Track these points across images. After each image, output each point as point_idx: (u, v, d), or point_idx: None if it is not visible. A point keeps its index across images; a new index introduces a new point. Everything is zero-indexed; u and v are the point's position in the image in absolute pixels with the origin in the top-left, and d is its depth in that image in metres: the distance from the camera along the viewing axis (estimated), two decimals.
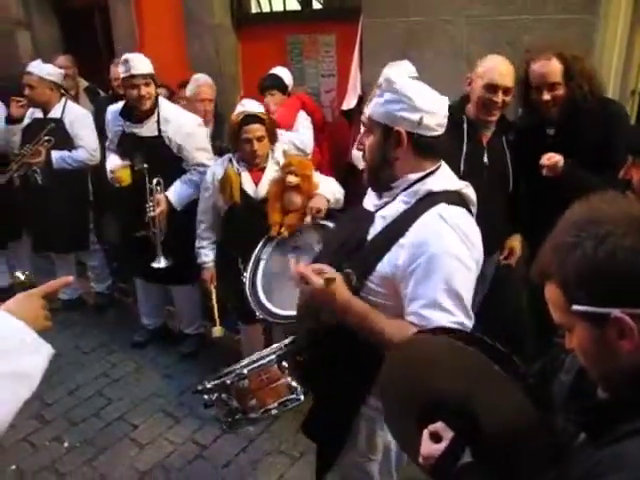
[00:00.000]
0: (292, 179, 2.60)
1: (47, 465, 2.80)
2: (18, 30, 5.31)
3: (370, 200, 1.66)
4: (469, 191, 1.58)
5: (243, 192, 2.72)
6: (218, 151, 3.30)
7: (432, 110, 1.47)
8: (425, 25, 3.23)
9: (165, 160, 3.12)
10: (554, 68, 2.31)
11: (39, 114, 3.69)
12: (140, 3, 4.58)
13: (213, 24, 4.18)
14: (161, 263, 3.15)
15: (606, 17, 2.79)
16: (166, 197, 3.10)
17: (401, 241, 1.46)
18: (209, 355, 3.53)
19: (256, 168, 2.75)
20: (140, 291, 3.69)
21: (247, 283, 2.33)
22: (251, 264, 2.41)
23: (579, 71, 2.31)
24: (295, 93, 3.74)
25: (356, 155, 3.29)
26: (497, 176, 2.55)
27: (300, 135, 3.45)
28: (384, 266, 1.48)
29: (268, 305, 2.22)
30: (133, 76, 2.95)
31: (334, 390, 1.68)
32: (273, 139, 2.77)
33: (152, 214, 3.06)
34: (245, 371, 1.70)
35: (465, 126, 2.49)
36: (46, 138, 3.55)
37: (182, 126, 3.12)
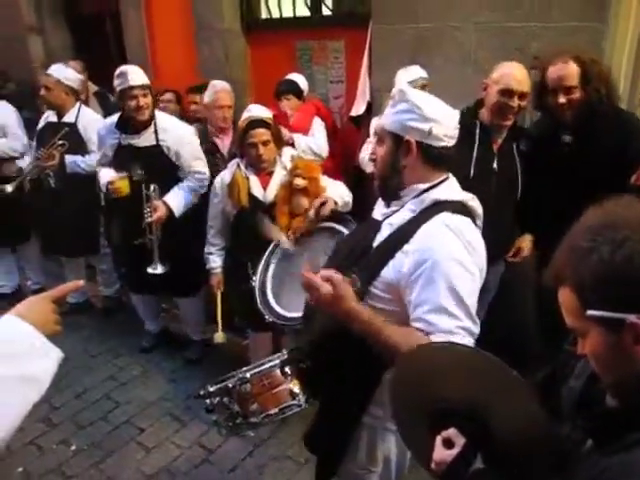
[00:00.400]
0: (299, 182, 2.60)
1: (54, 468, 2.80)
2: (30, 35, 5.35)
3: (379, 210, 1.68)
4: (475, 204, 1.58)
5: (251, 196, 2.73)
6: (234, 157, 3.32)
7: (442, 121, 1.49)
8: (434, 31, 3.25)
9: (162, 169, 3.17)
10: (571, 71, 2.29)
11: (53, 118, 3.71)
12: (151, 9, 4.62)
13: (223, 29, 4.21)
14: (157, 269, 3.16)
15: (615, 25, 2.80)
16: (165, 203, 3.14)
17: (405, 248, 1.47)
18: (215, 360, 3.53)
19: (264, 172, 2.76)
20: (134, 299, 3.77)
21: (256, 285, 2.33)
22: (261, 267, 2.41)
23: (596, 74, 2.29)
24: (310, 99, 3.76)
25: (363, 158, 3.30)
26: (506, 182, 2.54)
27: (317, 139, 3.48)
28: (389, 272, 1.49)
29: (277, 308, 2.22)
30: (132, 87, 3.00)
31: (336, 397, 1.68)
32: (279, 143, 2.78)
33: (149, 220, 3.11)
34: (248, 375, 1.70)
35: (477, 131, 2.48)
36: (60, 142, 3.57)
37: (182, 136, 3.20)
